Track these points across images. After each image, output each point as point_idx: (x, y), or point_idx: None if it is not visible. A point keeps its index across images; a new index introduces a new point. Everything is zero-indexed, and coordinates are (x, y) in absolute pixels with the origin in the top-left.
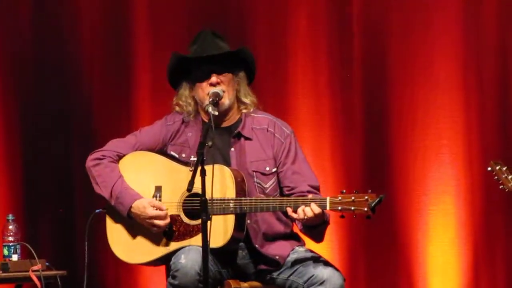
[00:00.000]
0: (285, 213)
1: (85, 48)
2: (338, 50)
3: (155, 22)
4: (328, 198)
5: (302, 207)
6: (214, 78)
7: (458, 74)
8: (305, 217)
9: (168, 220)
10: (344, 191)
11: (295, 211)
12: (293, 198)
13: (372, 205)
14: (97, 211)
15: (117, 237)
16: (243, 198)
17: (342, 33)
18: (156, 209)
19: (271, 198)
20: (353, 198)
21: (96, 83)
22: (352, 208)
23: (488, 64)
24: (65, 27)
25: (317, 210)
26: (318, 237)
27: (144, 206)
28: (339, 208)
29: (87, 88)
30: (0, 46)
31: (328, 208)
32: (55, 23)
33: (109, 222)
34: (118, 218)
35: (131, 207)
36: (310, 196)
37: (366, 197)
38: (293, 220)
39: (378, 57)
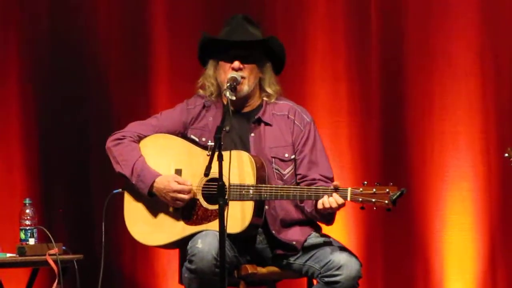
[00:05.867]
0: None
1: (102, 32)
2: (356, 35)
3: (172, 6)
4: (349, 189)
5: (325, 197)
6: (236, 63)
7: (475, 60)
8: (330, 208)
9: (191, 195)
10: (366, 182)
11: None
12: (314, 187)
13: (393, 198)
14: (114, 191)
15: (134, 219)
16: (263, 185)
17: (360, 18)
18: (180, 184)
19: (292, 186)
20: (374, 190)
21: (113, 67)
22: (373, 200)
23: (505, 50)
24: (82, 11)
25: (341, 201)
26: (329, 220)
27: (168, 180)
28: (360, 199)
29: (104, 72)
30: (17, 31)
31: (349, 199)
32: (72, 8)
33: (127, 203)
34: (137, 199)
35: (154, 182)
36: (331, 185)
37: (388, 190)
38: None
39: (395, 43)
